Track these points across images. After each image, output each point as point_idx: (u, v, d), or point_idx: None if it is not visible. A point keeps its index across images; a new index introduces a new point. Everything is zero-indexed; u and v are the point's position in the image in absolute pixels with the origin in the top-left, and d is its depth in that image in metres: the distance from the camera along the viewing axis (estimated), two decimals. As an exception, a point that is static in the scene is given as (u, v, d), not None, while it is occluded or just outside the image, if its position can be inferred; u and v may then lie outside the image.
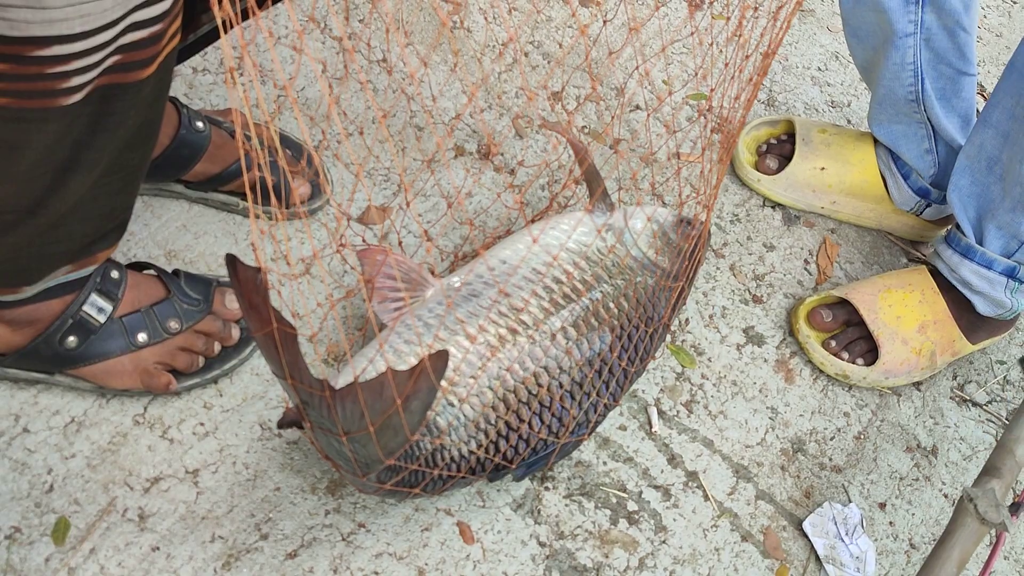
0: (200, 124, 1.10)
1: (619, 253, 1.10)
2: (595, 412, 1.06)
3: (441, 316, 1.02)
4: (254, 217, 0.80)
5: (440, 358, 0.80)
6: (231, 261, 0.78)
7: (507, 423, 0.99)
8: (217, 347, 1.05)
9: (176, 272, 1.05)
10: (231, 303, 1.06)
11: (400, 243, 1.16)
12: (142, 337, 0.99)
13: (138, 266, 1.04)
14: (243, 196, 1.15)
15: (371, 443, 0.83)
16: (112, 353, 0.99)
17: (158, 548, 0.95)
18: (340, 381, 0.96)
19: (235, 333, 1.06)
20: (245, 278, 0.79)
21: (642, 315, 1.09)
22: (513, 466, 1.01)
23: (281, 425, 0.93)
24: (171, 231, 1.13)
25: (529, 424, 1.01)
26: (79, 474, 0.97)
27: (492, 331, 1.01)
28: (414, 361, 0.97)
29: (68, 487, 0.96)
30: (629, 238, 1.12)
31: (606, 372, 1.06)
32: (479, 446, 0.97)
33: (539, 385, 1.01)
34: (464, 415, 0.97)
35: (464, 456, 0.97)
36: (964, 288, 1.26)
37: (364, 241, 1.18)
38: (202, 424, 1.03)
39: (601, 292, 1.07)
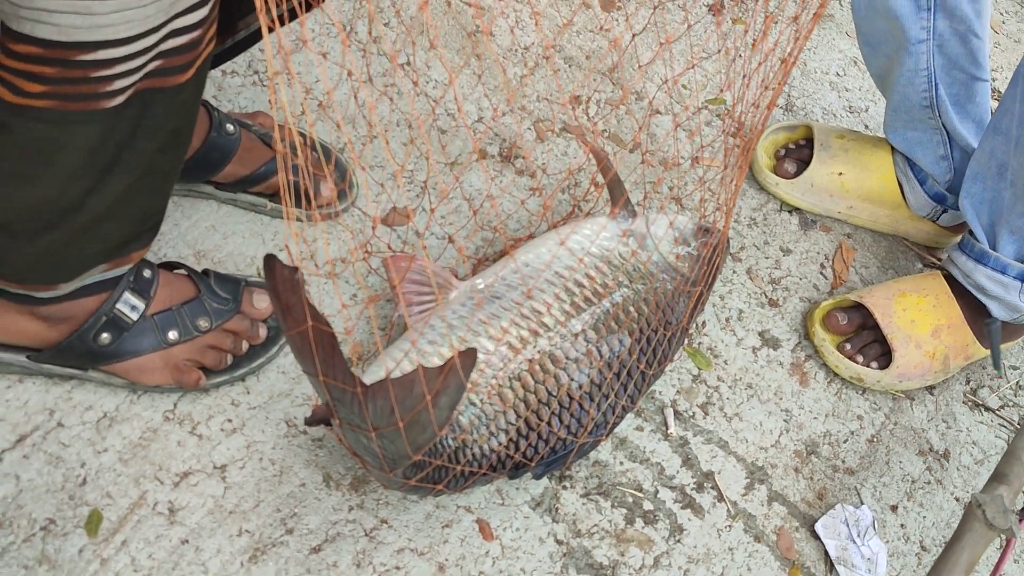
0: (230, 127, 1.13)
1: (640, 258, 1.12)
2: (613, 413, 1.09)
3: (465, 317, 1.04)
4: (288, 218, 0.82)
5: (469, 356, 0.82)
6: (269, 260, 0.80)
7: (527, 422, 1.02)
8: (245, 345, 1.07)
9: (206, 272, 1.08)
10: (259, 302, 1.09)
11: (424, 246, 1.18)
12: (173, 335, 1.02)
13: (169, 265, 1.07)
14: (271, 197, 1.18)
15: (400, 439, 0.85)
16: (144, 350, 1.01)
17: (187, 541, 0.98)
18: (367, 380, 0.99)
19: (262, 332, 1.08)
20: (282, 277, 0.81)
21: (661, 319, 1.11)
22: (532, 464, 1.03)
23: (309, 423, 0.96)
24: (200, 231, 1.16)
25: (548, 424, 1.03)
26: (111, 468, 1.00)
27: (514, 332, 1.03)
28: (438, 361, 1.00)
29: (100, 480, 0.99)
30: (650, 243, 1.14)
31: (624, 374, 1.08)
32: (500, 444, 1.00)
33: (559, 386, 1.03)
34: (485, 414, 1.00)
35: (485, 454, 1.00)
36: (979, 293, 1.28)
37: (389, 247, 1.20)
38: (230, 421, 1.06)
39: (622, 296, 1.09)
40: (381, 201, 1.24)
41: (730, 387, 1.26)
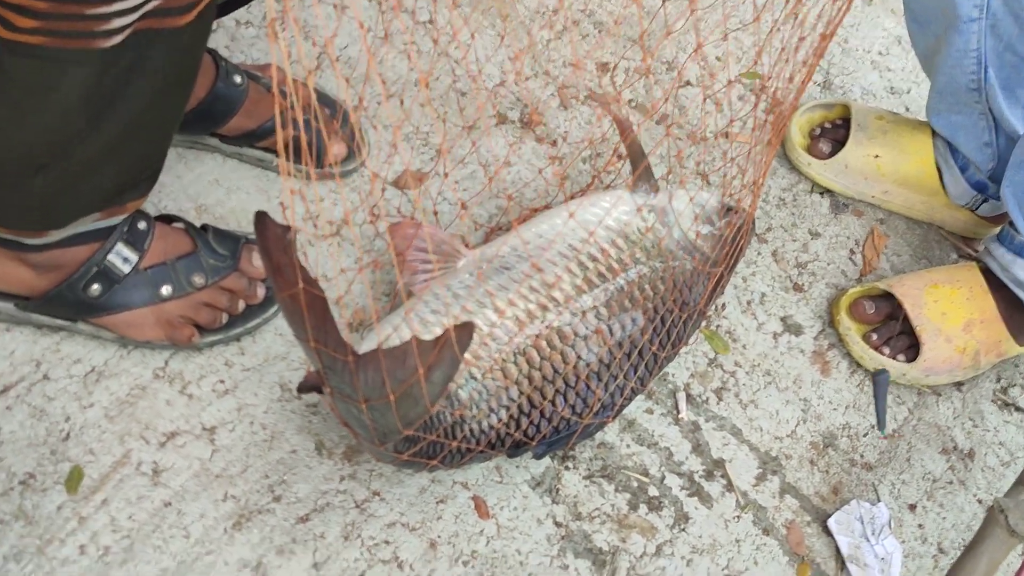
0: (238, 78, 1.09)
1: (659, 234, 1.07)
2: (621, 395, 1.04)
3: (471, 287, 1.00)
4: (285, 175, 0.78)
5: (465, 330, 0.78)
6: (260, 217, 0.77)
7: (530, 400, 0.97)
8: (241, 305, 1.04)
9: (204, 227, 1.04)
10: (259, 261, 1.05)
11: (435, 211, 1.14)
12: (166, 290, 0.99)
13: (166, 218, 1.04)
14: (278, 153, 1.13)
15: (390, 412, 0.82)
16: (135, 304, 0.98)
17: (170, 504, 0.95)
18: (363, 348, 0.95)
19: (260, 292, 1.05)
20: (274, 236, 0.77)
21: (677, 299, 1.06)
22: (534, 443, 0.99)
23: (301, 389, 0.92)
24: (203, 185, 1.12)
25: (552, 402, 0.99)
26: (96, 424, 0.97)
27: (521, 306, 0.99)
28: (439, 331, 0.96)
29: (84, 437, 0.96)
30: (671, 219, 1.09)
31: (635, 355, 1.03)
32: (500, 421, 0.96)
33: (565, 363, 0.99)
34: (487, 389, 0.96)
35: (484, 430, 0.96)
36: (1017, 287, 1.21)
37: (399, 211, 1.16)
38: (222, 382, 1.02)
39: (637, 273, 1.04)
40: (393, 163, 1.20)
41: (747, 373, 1.21)
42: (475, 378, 0.95)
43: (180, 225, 1.03)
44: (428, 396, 0.80)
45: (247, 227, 1.10)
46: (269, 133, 1.12)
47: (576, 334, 1.00)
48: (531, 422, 0.98)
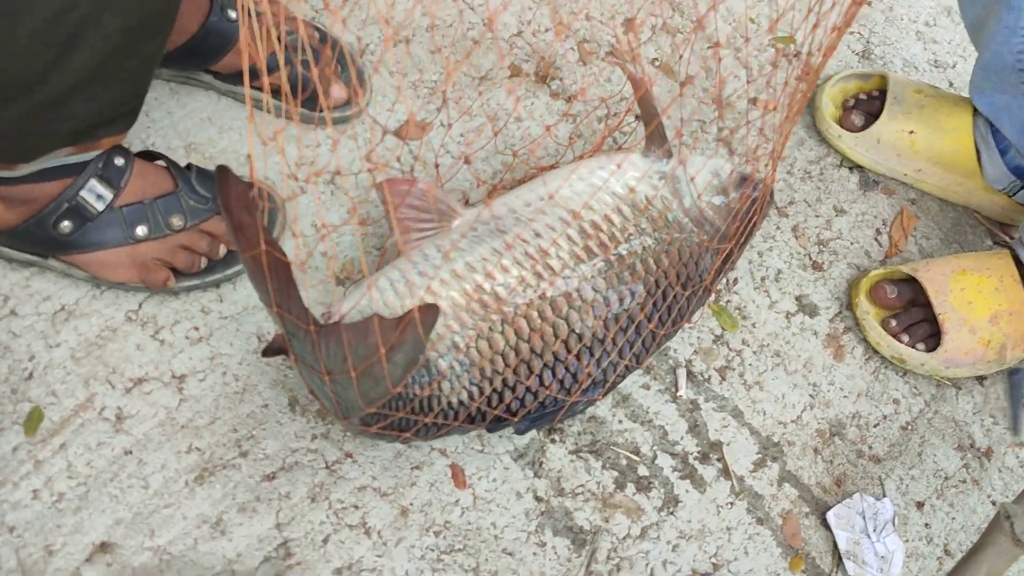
0: (233, 13, 1.04)
1: (667, 203, 1.01)
2: (614, 372, 0.98)
3: (461, 251, 0.94)
4: (252, 125, 0.73)
5: (430, 312, 0.74)
6: (222, 173, 0.73)
7: (516, 373, 0.92)
8: (222, 250, 0.99)
9: (189, 166, 1.00)
10: None
11: (437, 164, 1.09)
12: (141, 230, 0.95)
13: (148, 155, 0.99)
14: (274, 93, 1.09)
15: (352, 387, 0.78)
16: (108, 243, 0.94)
17: (131, 452, 0.92)
18: (345, 306, 0.90)
19: None
20: (235, 193, 0.73)
21: (682, 274, 1.00)
22: (516, 419, 0.94)
23: (266, 353, 0.88)
24: (194, 122, 1.08)
25: (540, 377, 0.94)
26: (61, 365, 0.94)
27: (514, 272, 0.93)
28: (423, 295, 0.91)
29: (48, 377, 0.93)
30: (681, 187, 1.03)
31: (632, 331, 0.98)
32: (482, 394, 0.91)
33: (556, 336, 0.94)
34: (470, 359, 0.90)
35: (464, 403, 0.91)
36: (1046, 282, 1.14)
37: (399, 161, 1.11)
38: (196, 329, 0.98)
39: (640, 243, 0.98)
40: (396, 111, 1.15)
41: (755, 353, 1.15)
42: (457, 347, 0.90)
43: (162, 163, 0.99)
44: (390, 377, 0.76)
45: (238, 169, 1.06)
46: (268, 72, 1.07)
47: (570, 306, 0.94)
48: (515, 396, 0.93)
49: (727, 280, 1.17)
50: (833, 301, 1.21)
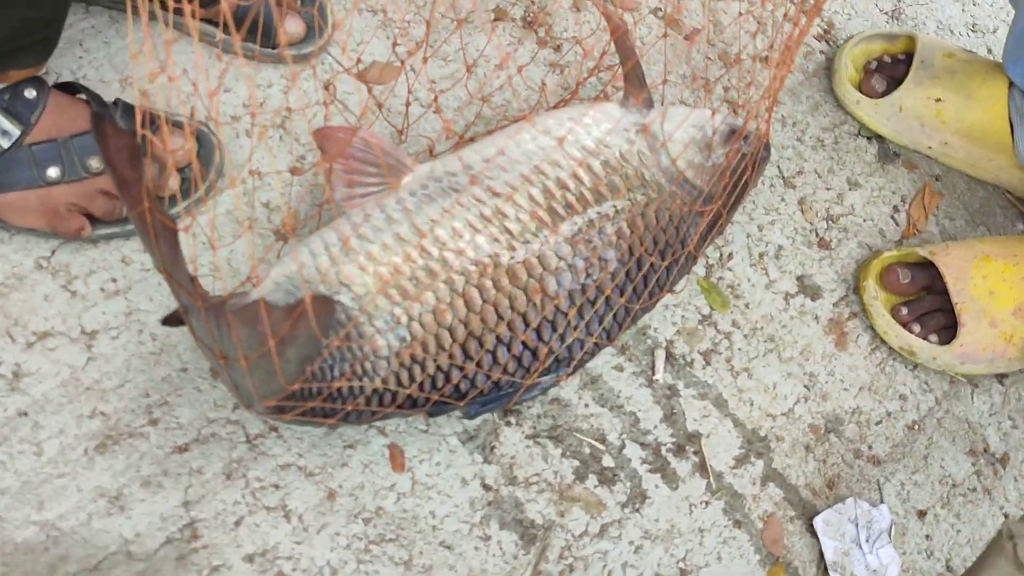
0: None
1: (644, 160, 0.90)
2: (581, 349, 0.88)
3: (408, 211, 0.84)
4: (135, 54, 0.63)
5: (324, 306, 0.66)
6: (97, 122, 0.64)
7: (464, 349, 0.82)
8: None
9: (116, 102, 0.90)
10: (174, 145, 0.90)
11: (408, 104, 0.98)
12: (54, 172, 0.85)
13: (69, 88, 0.89)
14: (224, 28, 0.98)
15: (245, 379, 0.69)
16: (16, 185, 0.84)
17: (26, 413, 0.82)
18: (274, 272, 0.81)
19: (172, 183, 0.90)
20: (116, 145, 0.64)
21: (659, 239, 0.89)
22: (462, 404, 0.83)
23: (166, 322, 0.78)
24: (133, 55, 0.98)
25: (494, 354, 0.83)
26: (-43, 313, 0.85)
27: (467, 237, 0.83)
28: (364, 263, 0.80)
29: (-59, 325, 0.84)
30: (660, 143, 0.91)
31: (601, 303, 0.87)
32: (423, 372, 0.80)
33: (513, 309, 0.83)
34: (411, 334, 0.80)
35: (403, 384, 0.80)
36: (1076, 272, 1.01)
37: (365, 106, 1.00)
38: (114, 280, 0.88)
39: (614, 206, 0.87)
40: (362, 52, 1.04)
41: (746, 336, 1.03)
42: (398, 320, 0.80)
43: (83, 97, 0.89)
44: (282, 373, 0.67)
45: (178, 108, 0.96)
46: (214, 1, 0.96)
47: (530, 274, 0.84)
48: (464, 375, 0.83)
49: (720, 254, 1.06)
50: (839, 283, 1.09)
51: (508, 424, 0.93)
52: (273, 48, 0.99)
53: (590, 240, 0.86)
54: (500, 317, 0.83)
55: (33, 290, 0.86)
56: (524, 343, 0.84)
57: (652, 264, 0.89)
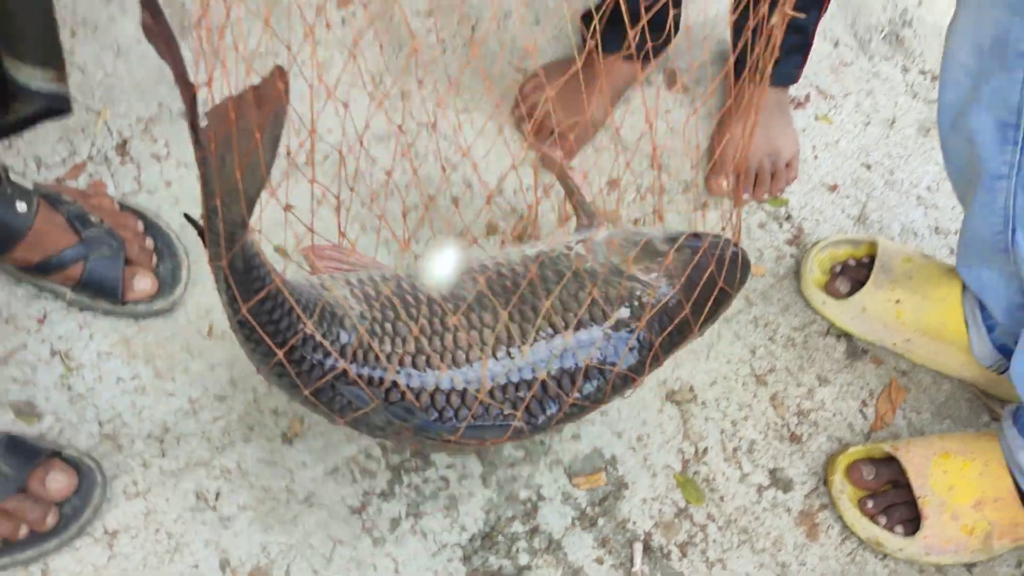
0: (22, 205, 1.00)
1: (581, 258, 0.93)
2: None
3: (366, 283, 0.89)
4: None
5: (280, 74, 0.69)
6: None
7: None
8: (24, 530, 0.93)
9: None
10: (53, 482, 0.93)
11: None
12: None
13: None
14: (73, 287, 1.06)
15: (237, 203, 0.72)
16: None
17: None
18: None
19: (51, 519, 0.93)
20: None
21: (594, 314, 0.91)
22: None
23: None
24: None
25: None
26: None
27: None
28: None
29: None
30: (599, 248, 0.95)
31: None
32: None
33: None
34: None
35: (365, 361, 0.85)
36: (1020, 475, 1.08)
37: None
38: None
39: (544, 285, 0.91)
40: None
41: (720, 528, 1.10)
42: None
43: None
44: (264, 162, 0.72)
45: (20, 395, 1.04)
46: (60, 266, 1.04)
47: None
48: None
49: (696, 449, 1.14)
50: (810, 476, 1.16)
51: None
52: (123, 305, 1.07)
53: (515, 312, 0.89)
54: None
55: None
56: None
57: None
